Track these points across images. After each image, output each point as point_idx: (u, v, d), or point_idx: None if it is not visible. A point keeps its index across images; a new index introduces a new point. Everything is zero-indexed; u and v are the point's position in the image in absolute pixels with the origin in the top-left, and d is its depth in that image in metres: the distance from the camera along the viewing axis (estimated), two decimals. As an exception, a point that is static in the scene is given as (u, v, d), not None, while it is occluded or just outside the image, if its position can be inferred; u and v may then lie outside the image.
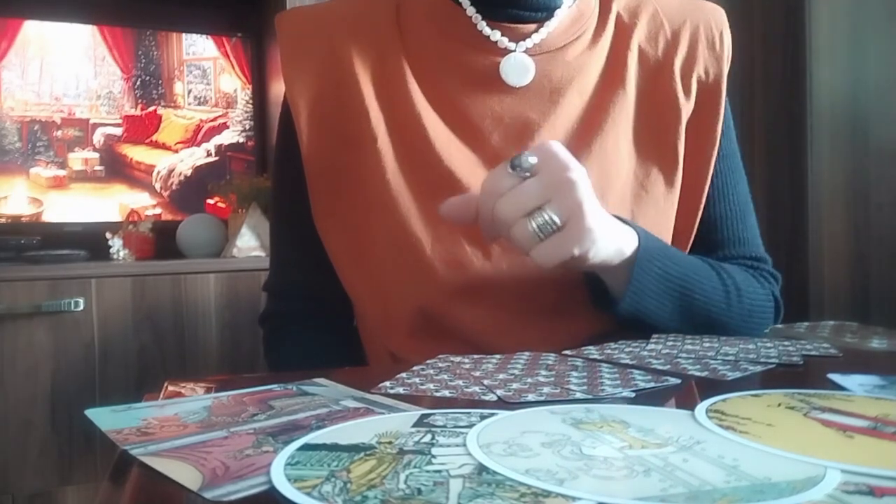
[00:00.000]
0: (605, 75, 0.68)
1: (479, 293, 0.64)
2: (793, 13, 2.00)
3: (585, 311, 0.65)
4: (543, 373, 0.47)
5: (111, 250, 1.62)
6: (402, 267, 0.65)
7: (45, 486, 1.39)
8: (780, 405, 0.37)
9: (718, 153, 0.70)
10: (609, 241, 0.54)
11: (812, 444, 0.30)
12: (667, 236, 0.68)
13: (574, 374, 0.46)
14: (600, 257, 0.54)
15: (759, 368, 0.48)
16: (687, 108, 0.68)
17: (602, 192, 0.65)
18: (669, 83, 0.68)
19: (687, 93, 0.68)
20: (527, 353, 0.56)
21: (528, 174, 0.51)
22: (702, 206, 0.69)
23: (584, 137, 0.66)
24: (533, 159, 0.51)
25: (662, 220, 0.68)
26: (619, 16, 0.70)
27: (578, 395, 0.40)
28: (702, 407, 0.36)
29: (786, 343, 0.57)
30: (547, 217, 0.50)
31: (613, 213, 0.65)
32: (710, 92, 0.69)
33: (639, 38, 0.69)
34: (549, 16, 0.66)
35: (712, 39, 0.70)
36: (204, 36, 1.91)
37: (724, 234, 0.71)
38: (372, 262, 0.67)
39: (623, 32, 0.69)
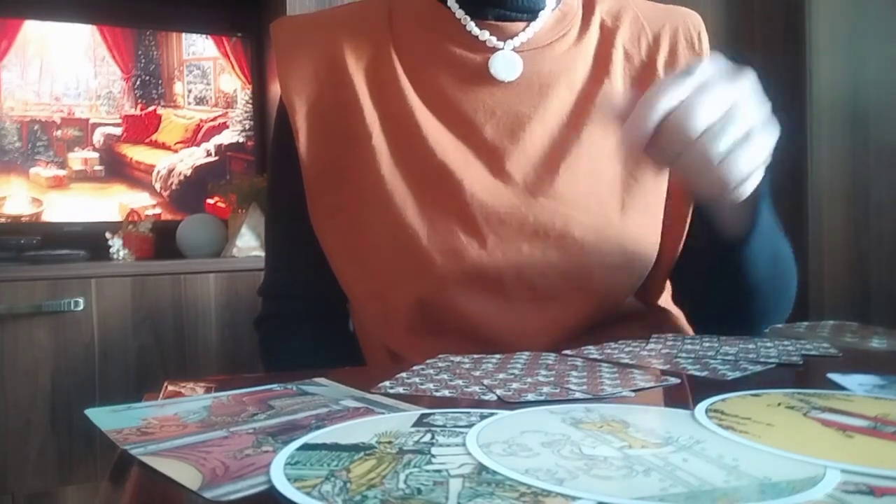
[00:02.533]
0: (592, 70, 0.70)
1: (476, 281, 0.65)
2: (793, 13, 2.00)
3: (582, 297, 0.66)
4: (543, 372, 0.47)
5: (111, 250, 1.62)
6: (400, 260, 0.66)
7: (45, 486, 1.39)
8: (779, 405, 0.37)
9: None
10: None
11: (812, 444, 0.30)
12: (657, 224, 0.69)
13: (574, 373, 0.46)
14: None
15: (759, 368, 0.48)
16: None
17: (593, 182, 0.67)
18: (654, 79, 0.70)
19: None
20: (526, 353, 0.56)
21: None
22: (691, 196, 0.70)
23: (574, 128, 0.68)
24: (705, 68, 0.48)
25: (652, 208, 0.69)
26: (602, 20, 0.72)
27: (578, 395, 0.40)
28: (702, 407, 0.36)
29: (786, 343, 0.57)
30: (737, 127, 0.47)
31: (604, 202, 0.67)
32: None
33: (622, 39, 0.71)
34: (534, 17, 0.69)
35: (691, 40, 0.73)
36: (204, 36, 1.91)
37: None
38: (369, 258, 0.68)
39: (607, 35, 0.71)
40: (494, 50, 0.67)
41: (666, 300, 0.75)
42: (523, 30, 0.68)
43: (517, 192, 0.66)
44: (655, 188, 0.69)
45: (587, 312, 0.66)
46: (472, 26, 0.67)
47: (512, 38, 0.68)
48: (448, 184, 0.65)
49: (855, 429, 0.32)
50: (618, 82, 0.70)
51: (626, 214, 0.67)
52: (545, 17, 0.69)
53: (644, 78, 0.70)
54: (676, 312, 0.75)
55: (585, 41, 0.71)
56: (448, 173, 0.65)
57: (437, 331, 0.67)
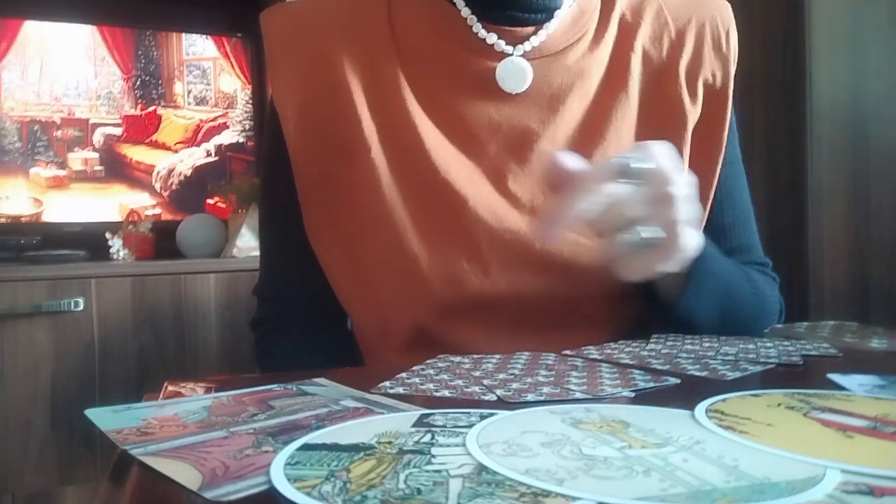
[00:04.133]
0: (606, 79, 0.65)
1: (476, 310, 0.62)
2: (793, 13, 2.00)
3: (583, 326, 0.64)
4: (543, 373, 0.47)
5: (111, 250, 1.62)
6: (398, 283, 0.63)
7: (45, 486, 1.39)
8: (779, 405, 0.37)
9: (724, 159, 0.68)
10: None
11: (812, 444, 0.30)
12: None
13: (574, 374, 0.46)
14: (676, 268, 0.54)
15: (758, 368, 0.48)
16: (693, 113, 0.66)
17: None
18: (675, 87, 0.66)
19: (693, 98, 0.66)
20: (526, 353, 0.56)
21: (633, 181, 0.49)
22: (706, 213, 0.67)
23: (585, 146, 0.64)
24: (643, 165, 0.49)
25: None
26: (622, 15, 0.67)
27: (578, 395, 0.40)
28: (702, 407, 0.36)
29: (786, 343, 0.57)
30: (648, 235, 0.49)
31: None
32: (717, 97, 0.67)
33: (643, 39, 0.66)
34: (549, 17, 0.64)
35: (718, 40, 0.68)
36: (204, 36, 1.91)
37: (733, 242, 0.70)
38: (368, 276, 0.65)
39: (626, 33, 0.66)
40: (502, 56, 0.63)
41: None
42: (535, 33, 0.63)
43: (523, 217, 0.62)
44: None
45: (589, 340, 0.63)
46: (479, 29, 0.63)
47: (522, 42, 0.63)
48: (451, 204, 0.61)
49: (855, 429, 0.32)
50: (634, 91, 0.65)
51: None
52: (560, 18, 0.64)
53: (663, 83, 0.66)
54: None
55: (602, 45, 0.66)
56: (452, 192, 0.61)
57: (435, 353, 0.64)
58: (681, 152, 0.65)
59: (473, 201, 0.61)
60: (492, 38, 0.63)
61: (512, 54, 0.63)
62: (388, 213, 0.62)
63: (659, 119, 0.66)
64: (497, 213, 0.62)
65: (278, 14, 0.69)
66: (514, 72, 0.63)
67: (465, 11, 0.63)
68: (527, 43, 0.63)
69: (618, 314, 0.66)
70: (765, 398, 0.38)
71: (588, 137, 0.64)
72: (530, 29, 0.64)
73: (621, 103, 0.65)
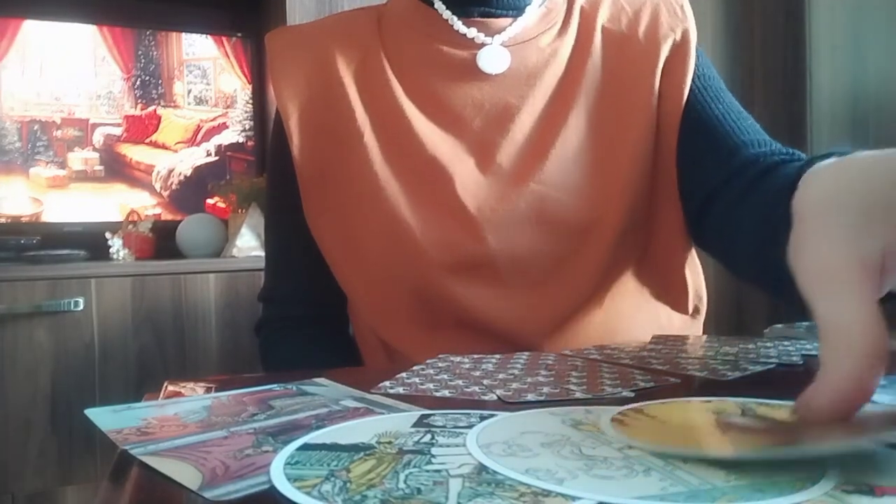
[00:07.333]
0: (574, 55, 0.71)
1: (471, 271, 0.66)
2: (793, 13, 2.00)
3: (578, 279, 0.67)
4: (543, 372, 0.47)
5: (111, 250, 1.62)
6: (395, 253, 0.67)
7: (45, 486, 1.39)
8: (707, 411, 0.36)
9: (696, 86, 0.69)
10: None
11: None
12: (645, 179, 0.68)
13: (574, 374, 0.46)
14: None
15: (759, 368, 0.48)
16: (657, 61, 0.69)
17: (582, 164, 0.67)
18: (636, 47, 0.70)
19: (655, 51, 0.70)
20: (526, 354, 0.56)
21: None
22: (677, 133, 0.68)
23: (561, 113, 0.69)
24: None
25: (641, 167, 0.68)
26: (582, 7, 0.73)
27: (578, 395, 0.40)
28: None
29: (786, 343, 0.57)
30: None
31: (593, 183, 0.66)
32: (679, 45, 0.70)
33: (602, 20, 0.72)
34: (520, 13, 0.70)
35: (673, 9, 0.72)
36: (204, 36, 1.91)
37: (741, 136, 0.67)
38: (365, 253, 0.69)
39: (588, 19, 0.73)
40: (482, 45, 0.69)
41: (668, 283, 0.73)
42: (510, 25, 0.69)
43: (508, 182, 0.67)
44: (644, 153, 0.68)
45: (583, 293, 0.68)
46: (459, 25, 0.68)
47: (499, 33, 0.69)
48: (440, 178, 0.66)
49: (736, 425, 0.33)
50: (597, 58, 0.70)
51: (617, 193, 0.67)
52: (531, 13, 0.70)
53: (625, 48, 0.70)
54: (692, 283, 0.73)
55: (569, 31, 0.72)
56: (439, 167, 0.66)
57: (434, 323, 0.68)
58: (650, 101, 0.69)
59: (460, 174, 0.66)
60: (472, 33, 0.69)
61: (491, 43, 0.69)
62: (382, 190, 0.67)
63: (625, 74, 0.70)
64: (482, 182, 0.67)
65: (281, 32, 0.76)
66: (494, 55, 0.68)
67: (447, 14, 0.69)
68: (503, 33, 0.69)
69: (609, 265, 0.68)
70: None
71: (562, 105, 0.69)
72: (506, 21, 0.70)
73: (588, 72, 0.70)
